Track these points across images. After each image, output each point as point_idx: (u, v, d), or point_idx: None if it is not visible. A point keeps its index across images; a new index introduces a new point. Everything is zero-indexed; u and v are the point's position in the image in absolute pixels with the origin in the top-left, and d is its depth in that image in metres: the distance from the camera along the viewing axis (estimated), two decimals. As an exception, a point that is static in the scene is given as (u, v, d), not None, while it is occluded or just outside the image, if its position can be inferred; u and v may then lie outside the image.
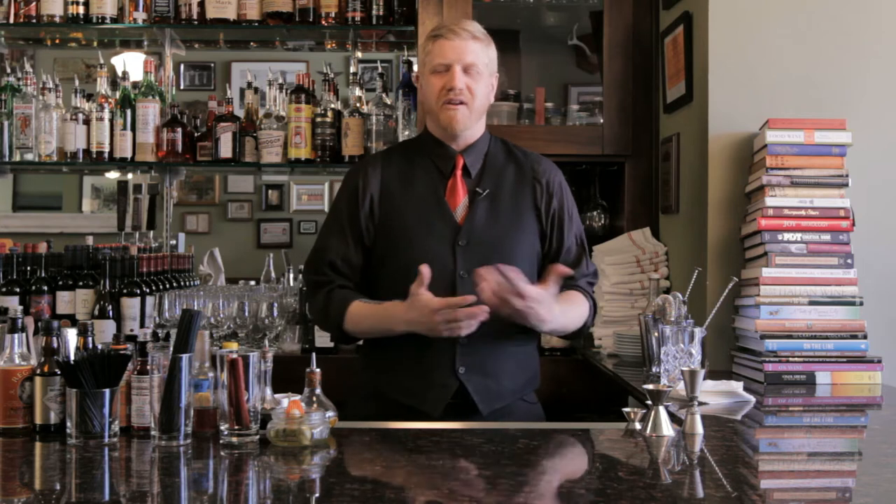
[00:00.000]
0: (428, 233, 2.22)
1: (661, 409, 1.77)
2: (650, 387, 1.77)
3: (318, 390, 1.80)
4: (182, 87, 6.62)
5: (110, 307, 3.07)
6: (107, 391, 1.70)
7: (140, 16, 3.53)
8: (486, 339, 2.15)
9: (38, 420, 1.77)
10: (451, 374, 2.17)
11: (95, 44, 3.93)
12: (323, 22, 3.48)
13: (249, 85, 3.60)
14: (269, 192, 7.19)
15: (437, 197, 2.25)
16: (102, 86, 3.53)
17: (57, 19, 3.50)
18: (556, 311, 2.13)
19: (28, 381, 1.78)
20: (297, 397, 1.76)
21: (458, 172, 2.27)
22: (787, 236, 2.46)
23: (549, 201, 2.31)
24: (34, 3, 3.51)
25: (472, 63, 2.21)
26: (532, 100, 3.50)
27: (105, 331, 2.97)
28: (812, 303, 2.42)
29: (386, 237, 2.26)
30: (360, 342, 2.40)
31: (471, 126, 2.26)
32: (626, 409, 1.85)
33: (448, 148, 2.28)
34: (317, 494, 1.46)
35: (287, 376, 2.06)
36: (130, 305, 3.09)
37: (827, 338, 2.39)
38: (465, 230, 2.22)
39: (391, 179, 2.29)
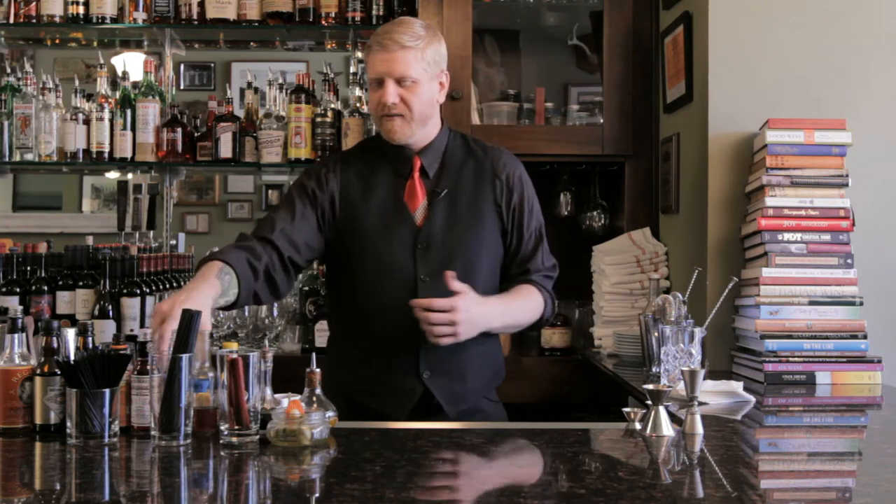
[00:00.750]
0: (388, 237, 2.21)
1: (661, 409, 1.77)
2: (650, 387, 1.77)
3: (318, 390, 1.80)
4: (182, 87, 6.62)
5: (110, 307, 3.07)
6: (107, 391, 1.70)
7: (140, 16, 3.52)
8: (466, 345, 2.14)
9: (38, 420, 1.77)
10: (415, 378, 2.19)
11: (95, 44, 3.92)
12: (323, 22, 3.48)
13: (249, 85, 3.60)
14: (269, 192, 7.18)
15: (395, 200, 2.24)
16: (102, 86, 3.53)
17: (57, 19, 3.50)
18: (483, 311, 2.10)
19: (28, 381, 1.78)
20: (297, 397, 1.76)
21: (416, 174, 2.25)
22: (787, 236, 2.46)
23: (509, 196, 2.29)
24: (34, 3, 3.51)
25: (404, 74, 2.16)
26: (532, 100, 3.50)
27: (105, 331, 2.97)
28: (812, 303, 2.42)
29: (346, 240, 2.24)
30: (326, 344, 2.39)
31: (412, 135, 2.23)
32: (626, 409, 1.85)
33: (405, 149, 2.26)
34: (317, 494, 1.46)
35: (287, 376, 2.06)
36: (130, 305, 3.08)
37: (827, 338, 2.39)
38: (425, 233, 2.21)
39: (350, 181, 2.27)
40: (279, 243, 2.17)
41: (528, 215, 2.31)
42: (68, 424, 1.71)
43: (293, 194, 2.27)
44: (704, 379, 1.89)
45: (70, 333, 1.84)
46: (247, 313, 3.05)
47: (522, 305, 2.26)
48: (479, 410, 2.27)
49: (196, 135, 3.54)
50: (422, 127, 2.24)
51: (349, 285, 2.26)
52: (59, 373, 1.75)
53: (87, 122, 3.48)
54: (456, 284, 2.06)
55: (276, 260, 2.17)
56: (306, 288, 3.19)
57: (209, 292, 1.95)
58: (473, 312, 2.08)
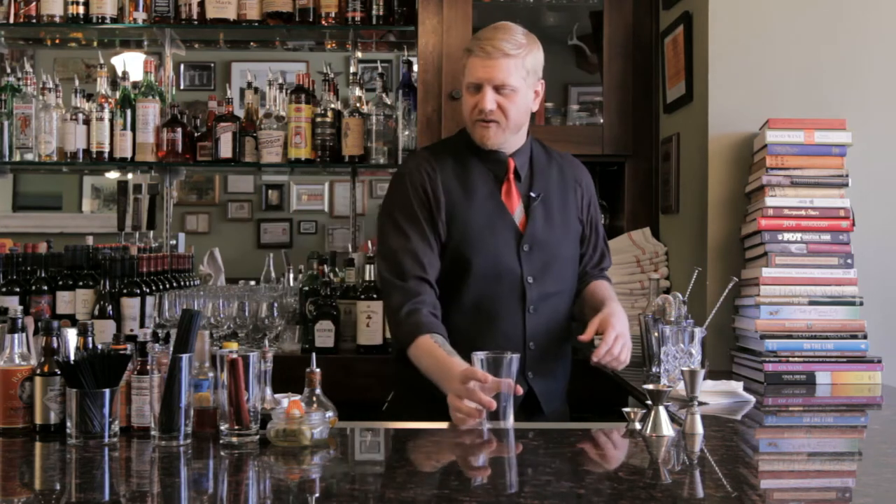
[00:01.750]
0: (493, 238, 2.22)
1: (661, 409, 1.77)
2: (650, 387, 1.77)
3: (318, 390, 1.80)
4: (182, 87, 6.61)
5: (110, 307, 3.07)
6: (107, 391, 1.70)
7: (140, 16, 3.52)
8: (549, 342, 2.24)
9: (38, 420, 1.77)
10: (521, 379, 2.17)
11: (95, 44, 3.93)
12: (323, 22, 3.48)
13: (249, 85, 3.60)
14: (269, 192, 7.19)
15: (496, 202, 2.24)
16: (102, 86, 3.53)
17: (57, 19, 3.50)
18: (622, 319, 2.19)
19: (28, 381, 1.78)
20: (297, 397, 1.76)
21: (511, 176, 2.26)
22: (787, 236, 2.46)
23: (588, 204, 2.37)
24: (34, 3, 3.51)
25: (504, 83, 2.16)
26: (532, 100, 3.50)
27: (105, 331, 2.97)
28: (812, 303, 2.42)
29: (454, 243, 2.22)
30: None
31: (504, 142, 2.23)
32: (626, 409, 1.85)
33: (498, 152, 2.26)
34: (317, 494, 1.46)
35: (287, 376, 2.06)
36: (130, 305, 3.09)
37: (827, 338, 2.39)
38: (528, 236, 2.23)
39: (450, 181, 2.24)
40: (433, 280, 2.18)
41: (598, 219, 2.41)
42: (68, 424, 1.71)
43: (416, 213, 2.21)
44: (704, 379, 1.89)
45: (70, 333, 1.85)
46: (247, 313, 3.05)
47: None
48: (561, 410, 2.33)
49: (196, 135, 3.54)
50: (514, 134, 2.25)
51: (458, 287, 2.22)
52: (59, 373, 1.75)
53: (87, 122, 3.48)
54: (591, 329, 2.14)
55: (437, 296, 2.18)
56: (306, 288, 3.19)
57: (461, 366, 1.92)
58: (622, 326, 2.16)
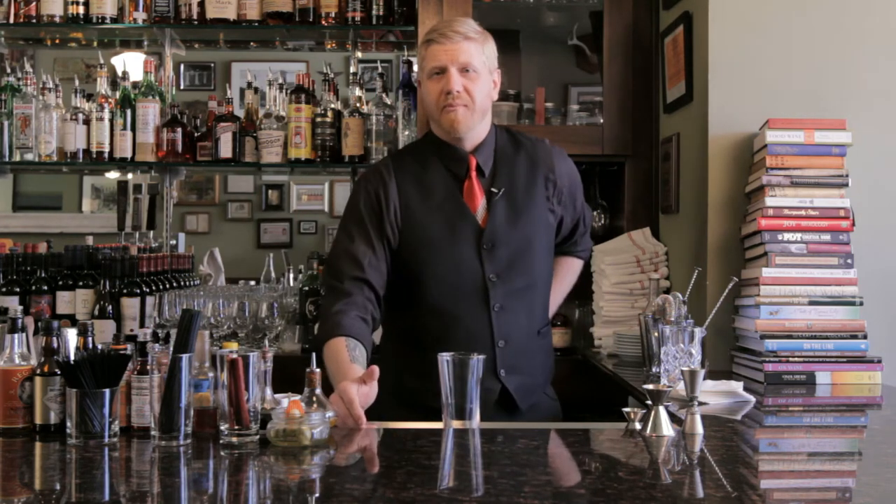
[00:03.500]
0: (453, 239, 2.22)
1: (661, 409, 1.77)
2: (650, 387, 1.77)
3: (318, 390, 1.80)
4: (182, 87, 6.62)
5: (110, 307, 3.07)
6: (107, 391, 1.70)
7: (140, 16, 3.53)
8: (523, 338, 2.24)
9: (38, 420, 1.77)
10: (493, 378, 2.21)
11: (95, 44, 3.93)
12: (323, 22, 3.48)
13: (249, 85, 3.60)
14: (269, 192, 7.19)
15: (456, 201, 2.24)
16: (102, 86, 3.53)
17: (57, 19, 3.50)
18: None
19: (28, 381, 1.78)
20: (297, 397, 1.76)
21: (473, 173, 2.25)
22: (787, 236, 2.46)
23: (560, 190, 2.33)
24: (34, 3, 3.51)
25: (468, 63, 2.18)
26: (532, 100, 3.50)
27: (105, 331, 2.97)
28: (812, 303, 2.42)
29: (411, 245, 2.23)
30: (380, 343, 2.42)
31: (474, 126, 2.24)
32: (626, 409, 1.85)
33: (458, 149, 2.26)
34: (317, 494, 1.46)
35: (287, 376, 2.06)
36: (130, 305, 3.09)
37: (827, 338, 2.39)
38: (488, 234, 2.22)
39: (407, 186, 2.26)
40: (374, 281, 2.19)
41: (579, 199, 2.41)
42: (68, 424, 1.71)
43: (363, 217, 2.23)
44: (704, 379, 1.89)
45: (70, 333, 1.85)
46: (247, 313, 3.05)
47: (568, 286, 2.52)
48: (540, 405, 2.32)
49: (196, 135, 3.54)
50: (481, 120, 2.25)
51: (417, 290, 2.23)
52: (59, 373, 1.75)
53: (87, 122, 3.48)
54: None
55: (374, 298, 2.19)
56: (306, 288, 3.19)
57: (356, 374, 1.92)
58: None
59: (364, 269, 2.19)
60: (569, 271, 2.53)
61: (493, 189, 2.25)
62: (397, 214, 2.25)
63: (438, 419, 2.01)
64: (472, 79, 2.19)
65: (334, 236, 2.34)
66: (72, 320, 2.99)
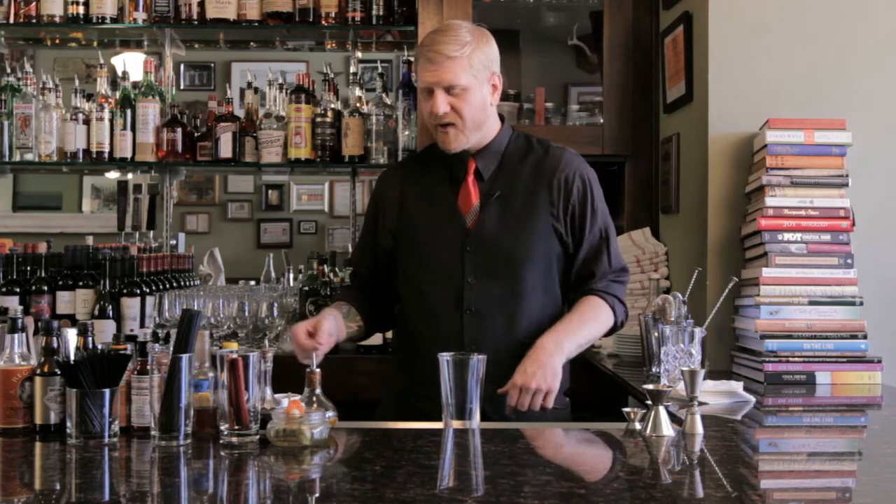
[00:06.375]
0: (437, 239, 2.23)
1: (661, 409, 1.77)
2: (650, 387, 1.77)
3: (318, 390, 1.80)
4: (182, 87, 6.61)
5: (110, 307, 3.07)
6: (107, 391, 1.70)
7: (140, 16, 3.52)
8: (499, 347, 2.12)
9: (38, 420, 1.77)
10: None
11: (95, 44, 3.92)
12: (323, 22, 3.48)
13: (249, 85, 3.60)
14: (269, 192, 7.19)
15: (447, 202, 2.25)
16: (102, 86, 3.53)
17: (57, 19, 3.50)
18: (536, 359, 2.07)
19: (28, 381, 1.78)
20: (297, 397, 1.76)
21: (471, 177, 2.25)
22: (787, 236, 2.46)
23: (567, 197, 2.24)
24: (34, 3, 3.51)
25: (453, 83, 2.15)
26: (532, 100, 3.50)
27: (105, 331, 2.96)
28: (812, 303, 2.42)
29: (401, 245, 2.29)
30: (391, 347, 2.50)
31: (467, 142, 2.21)
32: (626, 409, 1.85)
33: (462, 152, 2.25)
34: (317, 494, 1.46)
35: (287, 376, 2.05)
36: (130, 305, 3.08)
37: (827, 338, 2.40)
38: (475, 235, 2.21)
39: (410, 187, 2.31)
40: (367, 277, 2.38)
41: (591, 216, 2.26)
42: (68, 424, 1.71)
43: (367, 218, 2.41)
44: (704, 379, 1.89)
45: (70, 333, 1.85)
46: (247, 313, 3.04)
47: (590, 328, 2.20)
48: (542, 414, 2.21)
49: (196, 135, 3.54)
50: (476, 132, 2.22)
51: (405, 289, 2.30)
52: (59, 373, 1.75)
53: (87, 122, 3.48)
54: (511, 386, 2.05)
55: (370, 290, 2.37)
56: (306, 288, 3.19)
57: (335, 312, 2.22)
58: (544, 369, 2.05)
59: (355, 265, 2.44)
60: (590, 307, 2.23)
61: (489, 192, 2.24)
62: (395, 213, 2.29)
63: (424, 419, 2.02)
64: (460, 96, 2.16)
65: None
66: (72, 320, 2.98)
